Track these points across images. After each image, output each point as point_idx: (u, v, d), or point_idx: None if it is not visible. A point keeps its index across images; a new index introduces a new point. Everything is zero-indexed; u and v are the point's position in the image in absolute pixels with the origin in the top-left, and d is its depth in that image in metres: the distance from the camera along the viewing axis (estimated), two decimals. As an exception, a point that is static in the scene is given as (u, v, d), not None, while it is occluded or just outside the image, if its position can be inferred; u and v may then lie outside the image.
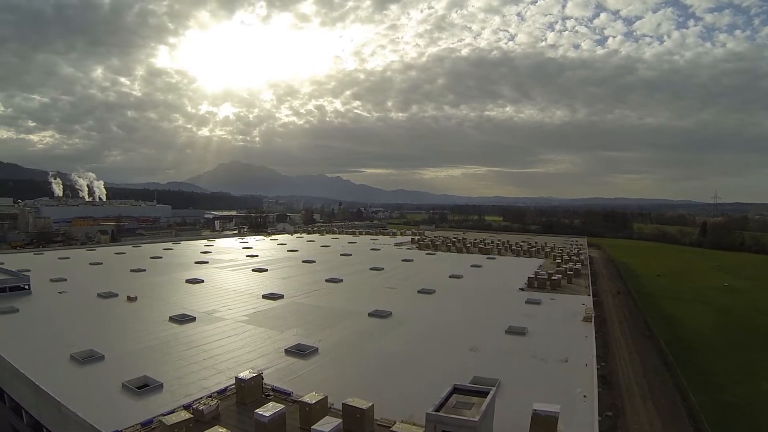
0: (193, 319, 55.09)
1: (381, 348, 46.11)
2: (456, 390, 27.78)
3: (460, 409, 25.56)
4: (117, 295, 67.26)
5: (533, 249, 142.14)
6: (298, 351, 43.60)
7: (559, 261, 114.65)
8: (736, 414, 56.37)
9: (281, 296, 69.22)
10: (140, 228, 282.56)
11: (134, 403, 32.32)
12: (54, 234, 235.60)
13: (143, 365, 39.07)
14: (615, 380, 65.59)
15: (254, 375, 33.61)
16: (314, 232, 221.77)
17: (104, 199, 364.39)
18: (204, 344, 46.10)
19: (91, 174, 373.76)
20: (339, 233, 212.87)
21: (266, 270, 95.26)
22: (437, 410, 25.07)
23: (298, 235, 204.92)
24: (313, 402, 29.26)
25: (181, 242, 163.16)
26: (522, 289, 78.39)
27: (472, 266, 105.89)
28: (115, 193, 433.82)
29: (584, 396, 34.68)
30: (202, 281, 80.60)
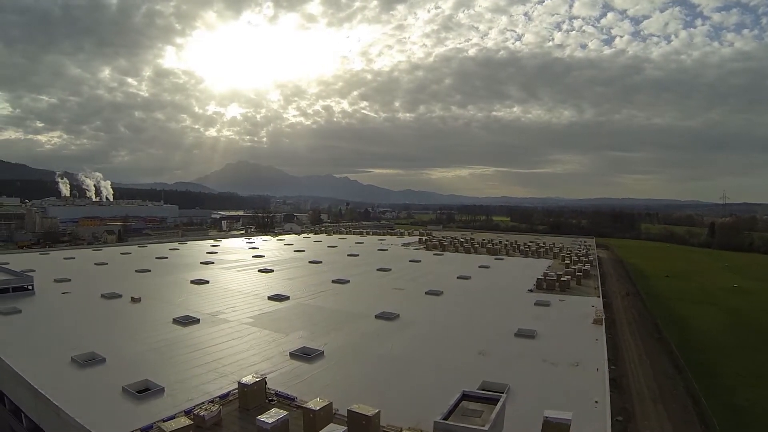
0: (197, 321, 54.42)
1: (388, 351, 45.21)
2: (465, 396, 26.88)
3: (469, 417, 24.67)
4: (121, 296, 66.78)
5: (541, 249, 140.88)
6: (304, 354, 42.78)
7: (568, 262, 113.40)
8: (748, 418, 55.09)
9: (287, 297, 68.49)
10: (147, 228, 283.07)
11: (134, 408, 31.61)
12: (61, 234, 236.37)
13: (145, 368, 38.33)
14: (625, 383, 64.47)
15: (257, 380, 32.85)
16: (321, 233, 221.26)
17: (111, 199, 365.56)
18: (207, 347, 45.38)
19: (98, 174, 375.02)
20: (346, 233, 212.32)
21: (272, 271, 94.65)
22: (445, 418, 24.20)
23: (305, 235, 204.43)
24: (318, 408, 28.40)
25: (188, 242, 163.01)
26: (531, 291, 77.30)
27: (480, 267, 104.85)
28: (122, 193, 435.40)
29: (596, 402, 33.69)
30: (208, 282, 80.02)
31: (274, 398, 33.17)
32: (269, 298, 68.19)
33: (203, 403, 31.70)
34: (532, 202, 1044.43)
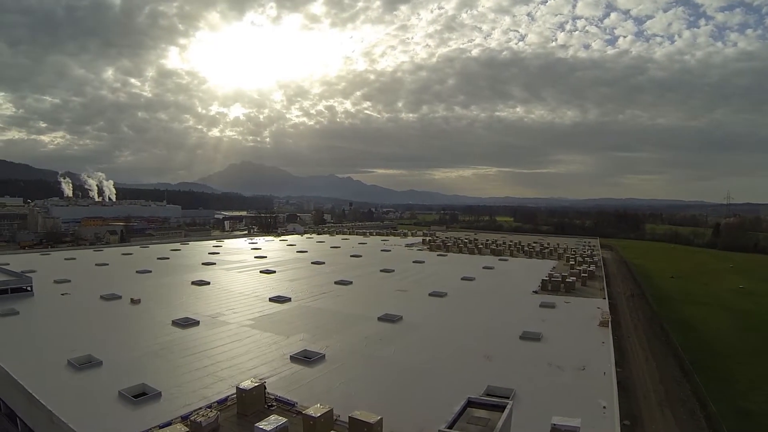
0: (197, 323, 53.67)
1: (390, 355, 44.32)
2: (470, 403, 25.92)
3: (475, 425, 23.76)
4: (120, 297, 66.19)
5: (546, 250, 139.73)
6: (304, 358, 41.92)
7: (573, 263, 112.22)
8: (757, 422, 54.02)
9: (288, 299, 67.67)
10: (149, 228, 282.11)
11: (130, 413, 30.87)
12: (63, 234, 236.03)
13: (142, 372, 37.59)
14: (631, 387, 63.30)
15: (256, 384, 31.96)
16: (324, 233, 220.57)
17: (114, 199, 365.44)
18: (207, 350, 44.59)
19: (101, 174, 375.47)
20: (349, 234, 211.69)
21: (274, 272, 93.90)
22: (450, 426, 23.31)
23: (308, 235, 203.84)
24: (318, 415, 27.49)
25: (190, 243, 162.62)
26: (536, 292, 76.36)
27: (484, 268, 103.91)
28: (125, 193, 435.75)
29: (604, 407, 32.77)
30: (209, 283, 79.31)
31: (274, 404, 32.29)
32: (270, 299, 67.39)
33: (201, 408, 30.92)
34: (536, 203, 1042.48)
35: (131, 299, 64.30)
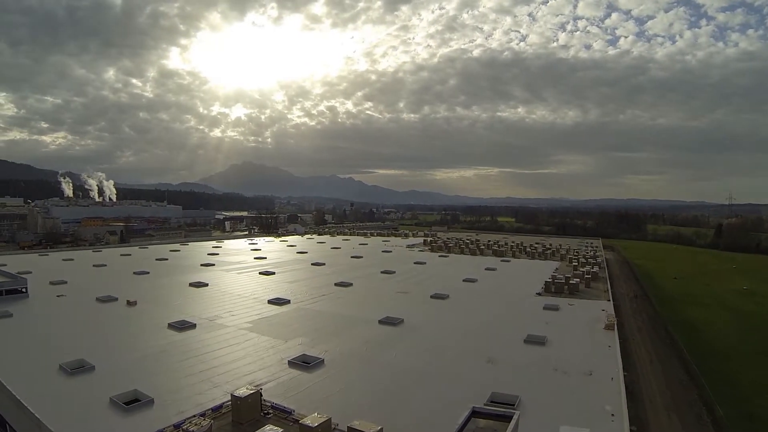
0: (194, 326, 52.55)
1: (391, 360, 43.11)
2: (474, 413, 24.81)
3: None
4: (116, 299, 65.10)
5: (548, 251, 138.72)
6: (303, 363, 40.71)
7: (576, 264, 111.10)
8: (764, 427, 52.86)
9: (288, 301, 66.50)
10: (150, 229, 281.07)
11: (120, 421, 29.71)
12: (63, 234, 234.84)
13: (135, 377, 36.41)
14: (637, 391, 62.12)
15: (252, 392, 30.83)
16: (325, 234, 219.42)
17: (114, 199, 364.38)
18: (203, 354, 43.45)
19: (101, 174, 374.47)
20: (350, 234, 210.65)
21: (274, 273, 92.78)
22: (454, 438, 22.21)
23: (309, 236, 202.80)
24: (315, 425, 26.38)
25: (189, 243, 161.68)
26: (539, 294, 75.20)
27: (486, 269, 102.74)
28: (126, 193, 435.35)
29: (612, 415, 31.64)
30: (207, 285, 78.22)
31: (270, 411, 31.16)
32: (269, 301, 66.23)
33: (194, 416, 29.79)
34: (537, 203, 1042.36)
35: (127, 301, 63.20)
